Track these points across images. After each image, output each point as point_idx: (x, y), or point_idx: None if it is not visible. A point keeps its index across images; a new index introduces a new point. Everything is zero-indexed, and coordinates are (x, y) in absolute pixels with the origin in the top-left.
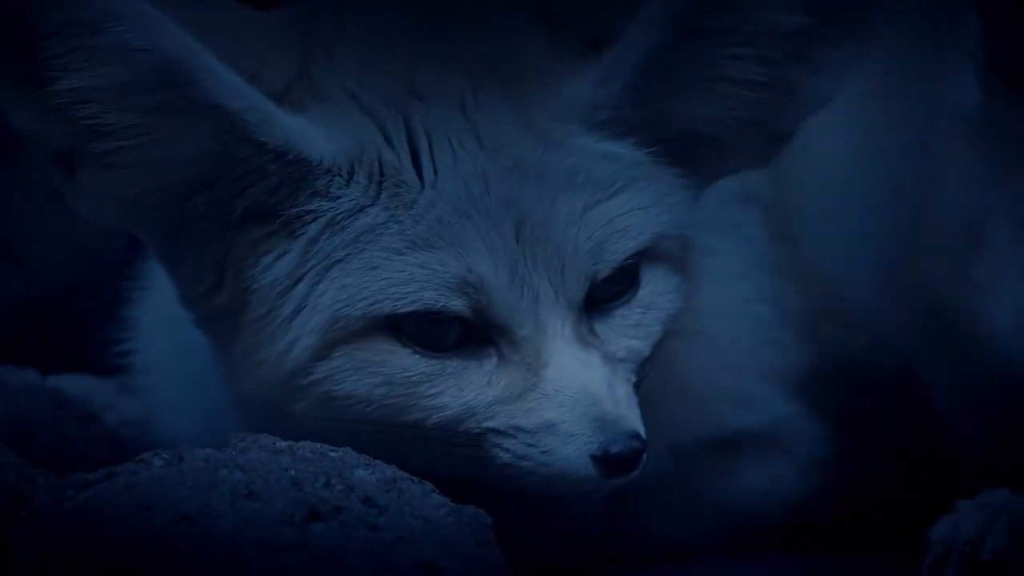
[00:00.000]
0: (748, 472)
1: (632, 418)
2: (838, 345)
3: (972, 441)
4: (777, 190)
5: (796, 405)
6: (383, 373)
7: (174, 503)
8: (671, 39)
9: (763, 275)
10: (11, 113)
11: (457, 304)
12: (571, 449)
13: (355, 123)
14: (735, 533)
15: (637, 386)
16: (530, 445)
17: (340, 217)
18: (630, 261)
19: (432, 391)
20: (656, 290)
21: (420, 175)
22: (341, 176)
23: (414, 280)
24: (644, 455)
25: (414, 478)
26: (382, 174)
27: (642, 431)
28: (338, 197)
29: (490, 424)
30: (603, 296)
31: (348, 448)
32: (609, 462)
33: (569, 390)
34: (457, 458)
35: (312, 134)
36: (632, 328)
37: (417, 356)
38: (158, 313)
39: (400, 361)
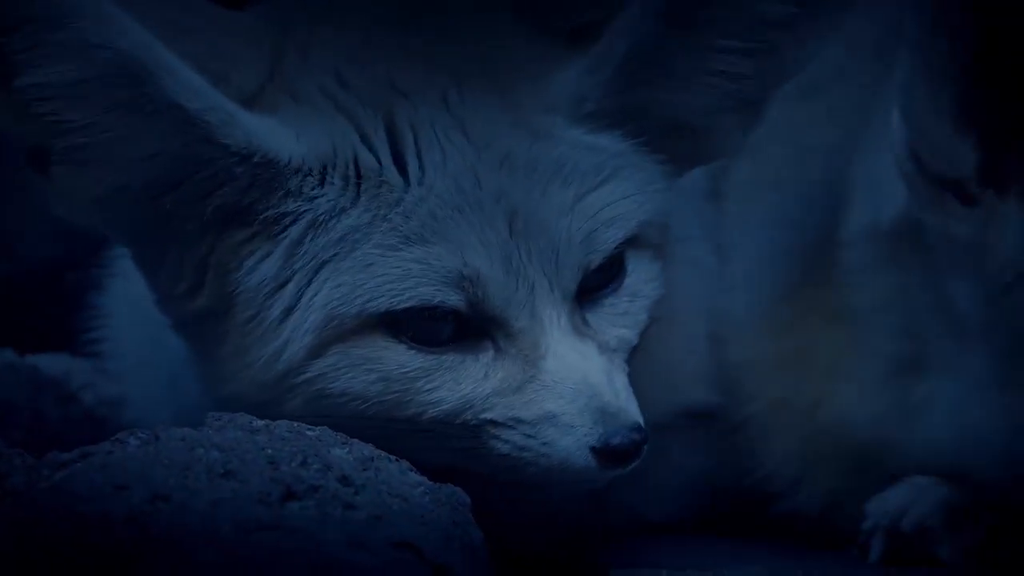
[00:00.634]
0: (718, 447)
1: (632, 410)
2: None
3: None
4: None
5: None
6: (379, 369)
7: (150, 482)
8: (658, 30)
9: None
10: None
11: (453, 298)
12: (571, 440)
13: (330, 123)
14: (714, 509)
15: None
16: (530, 436)
17: (321, 218)
18: (618, 250)
19: (429, 386)
20: (641, 278)
21: (405, 173)
22: (313, 176)
23: (410, 276)
24: (644, 447)
25: (391, 457)
26: (359, 175)
27: (642, 422)
28: (314, 197)
29: (488, 416)
30: (592, 285)
31: (325, 427)
32: (609, 454)
33: (569, 381)
34: (454, 451)
35: (281, 135)
36: (621, 317)
37: (413, 351)
38: (127, 303)
39: (396, 357)
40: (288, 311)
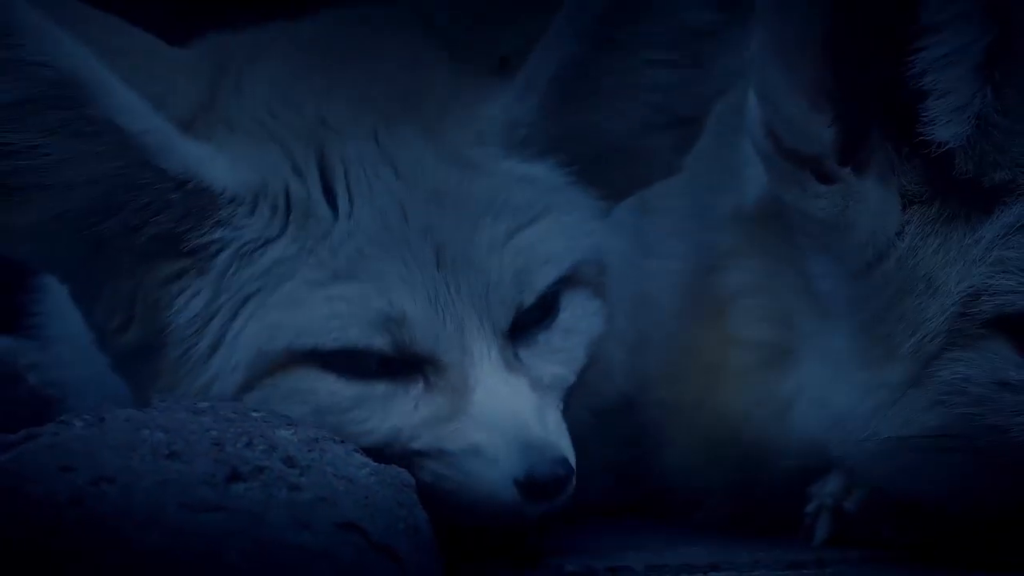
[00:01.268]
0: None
1: (561, 444)
2: None
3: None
4: None
5: None
6: (311, 401)
7: (95, 463)
8: (584, 49)
9: None
10: None
11: (379, 342)
12: (495, 473)
13: (263, 153)
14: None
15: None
16: (453, 467)
17: (247, 248)
18: (553, 288)
19: (361, 416)
20: (576, 314)
21: (335, 206)
22: (244, 206)
23: (336, 316)
24: (571, 482)
25: (336, 438)
26: (288, 206)
27: (570, 458)
28: (241, 227)
29: (415, 446)
30: (524, 321)
31: (271, 409)
32: (532, 487)
33: (497, 414)
34: None
35: (216, 162)
36: (555, 354)
37: (343, 381)
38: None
39: (327, 387)
40: (214, 347)
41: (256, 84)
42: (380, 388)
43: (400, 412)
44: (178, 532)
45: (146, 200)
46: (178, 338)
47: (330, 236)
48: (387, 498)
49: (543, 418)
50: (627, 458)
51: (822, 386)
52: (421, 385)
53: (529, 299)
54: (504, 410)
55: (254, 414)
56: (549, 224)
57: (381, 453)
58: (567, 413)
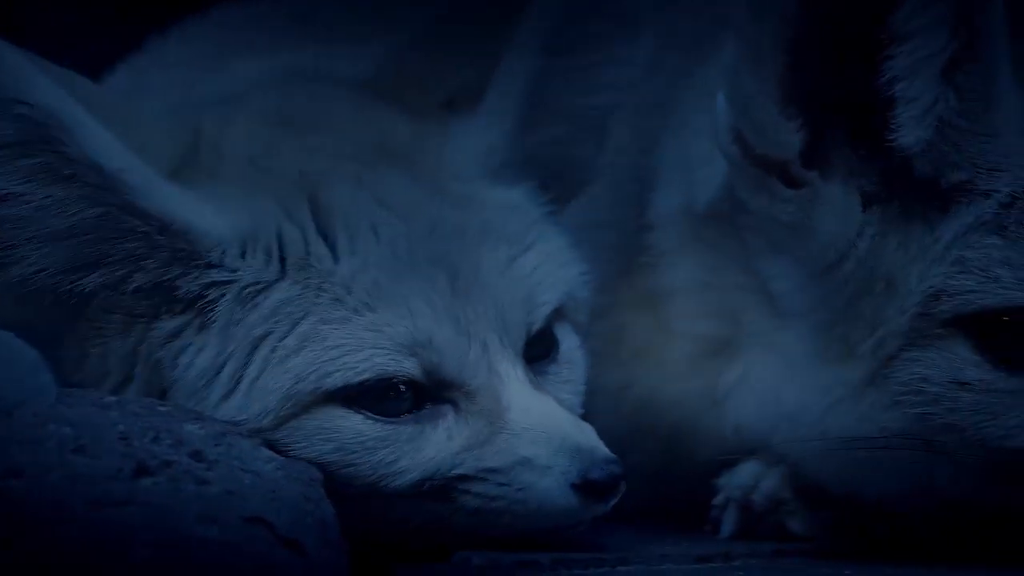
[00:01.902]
0: None
1: (605, 447)
2: None
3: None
4: None
5: None
6: (335, 439)
7: (3, 458)
8: (544, 61)
9: None
10: None
11: (408, 365)
12: (550, 481)
13: (251, 201)
14: None
15: None
16: (503, 484)
17: (247, 293)
18: (552, 318)
19: (391, 457)
20: (572, 347)
21: (333, 248)
22: (235, 248)
23: (364, 346)
24: (623, 481)
25: (243, 432)
26: (283, 251)
27: (616, 458)
28: (236, 270)
29: (459, 471)
30: (531, 356)
31: (177, 403)
32: (591, 488)
33: (538, 427)
34: (421, 511)
35: (201, 206)
36: (565, 384)
37: (370, 421)
38: None
39: (353, 427)
40: (227, 395)
41: (235, 142)
42: (407, 428)
43: (433, 445)
44: (86, 527)
45: (131, 246)
46: (187, 391)
47: (335, 274)
48: (294, 492)
49: (580, 426)
50: None
51: (771, 383)
52: (451, 415)
53: (537, 323)
54: (544, 422)
55: (161, 409)
56: (540, 253)
57: (420, 489)
58: None
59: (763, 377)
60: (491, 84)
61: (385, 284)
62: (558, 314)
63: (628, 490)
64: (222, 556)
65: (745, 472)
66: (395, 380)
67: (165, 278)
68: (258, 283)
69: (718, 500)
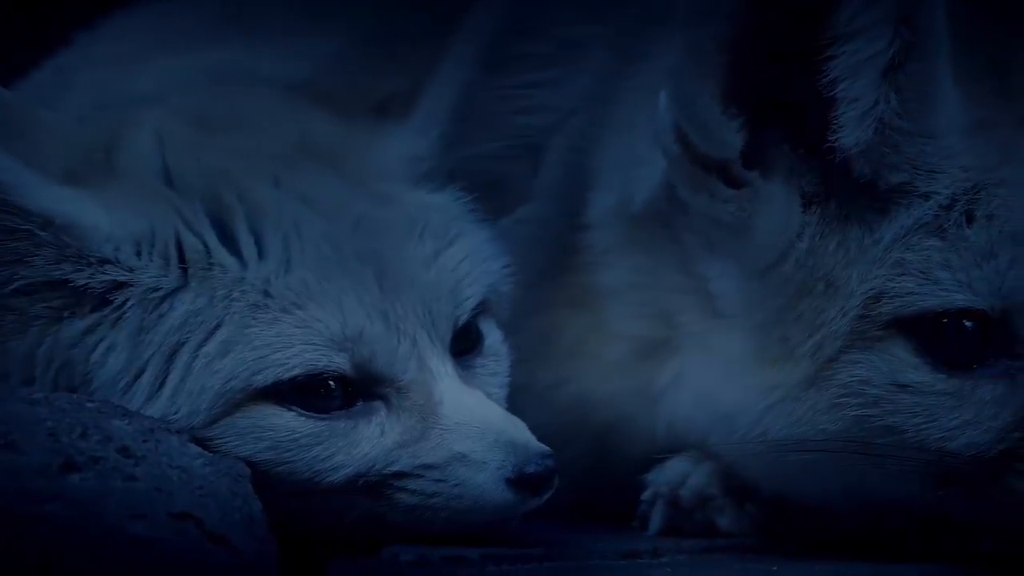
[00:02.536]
0: None
1: (538, 441)
2: None
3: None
4: None
5: None
6: (268, 438)
7: None
8: (476, 76)
9: None
10: None
11: (339, 360)
12: (485, 476)
13: (149, 207)
14: None
15: None
16: (440, 480)
17: (151, 300)
18: (475, 312)
19: (325, 453)
20: (496, 340)
21: (240, 254)
22: (127, 246)
23: (293, 343)
24: (557, 475)
25: (171, 428)
26: (182, 259)
27: (551, 451)
28: (132, 268)
29: (393, 468)
30: (457, 351)
31: (106, 399)
32: (525, 483)
33: (472, 422)
34: (356, 508)
35: (87, 203)
36: (492, 377)
37: (303, 418)
38: None
39: (285, 424)
40: (151, 398)
41: (148, 143)
42: (340, 424)
43: (367, 441)
44: (13, 522)
45: (13, 245)
46: (104, 394)
47: (245, 282)
48: (222, 488)
49: (513, 420)
50: None
51: (709, 384)
52: (383, 411)
53: (463, 316)
54: (477, 417)
55: (89, 405)
56: (464, 248)
57: (355, 486)
58: None
59: (700, 378)
60: (424, 94)
61: (312, 282)
62: (482, 308)
63: (558, 486)
64: (150, 552)
65: (673, 468)
66: (326, 376)
67: (56, 276)
68: (159, 288)
69: (646, 496)
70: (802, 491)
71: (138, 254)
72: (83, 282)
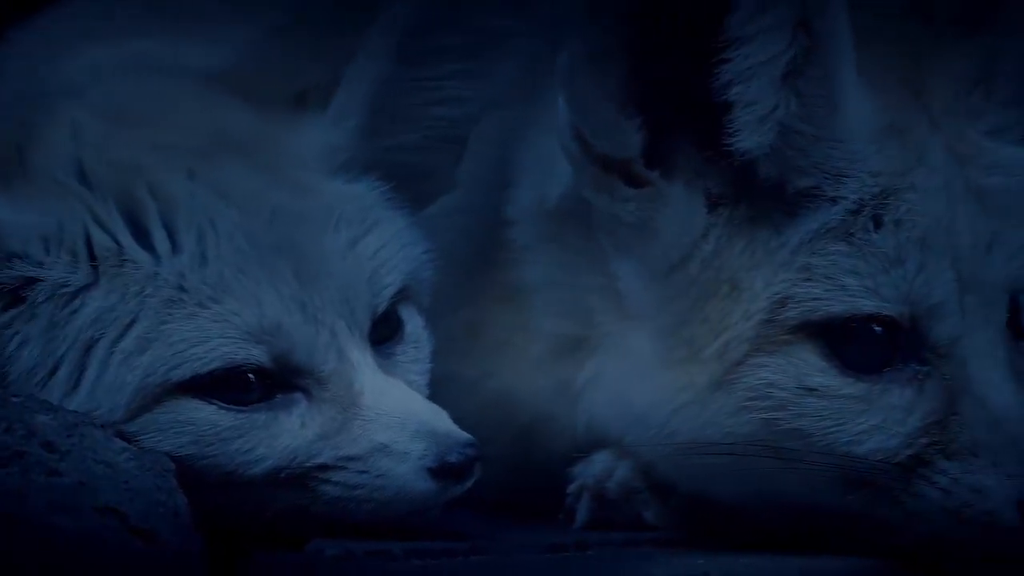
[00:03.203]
0: None
1: (460, 430)
2: None
3: None
4: None
5: None
6: (190, 432)
7: None
8: (394, 66)
9: None
10: None
11: (257, 353)
12: (407, 466)
13: (59, 204)
14: None
15: None
16: (363, 472)
17: (63, 295)
18: (395, 300)
19: (246, 446)
20: (417, 326)
21: (152, 249)
22: (34, 242)
23: (210, 338)
24: (479, 463)
25: (96, 423)
26: (92, 256)
27: (473, 440)
28: (41, 263)
29: (317, 461)
30: (377, 339)
31: (30, 394)
32: (448, 472)
33: (393, 412)
34: (280, 500)
35: None
36: (412, 364)
37: (223, 411)
38: None
39: (206, 418)
40: (69, 393)
41: (59, 140)
42: (260, 416)
43: (288, 433)
44: None
45: None
46: (23, 388)
47: (159, 277)
48: (147, 482)
49: (435, 410)
50: None
51: (622, 383)
52: (303, 403)
53: (382, 305)
54: (398, 407)
55: (13, 399)
56: (382, 235)
57: (278, 478)
58: None
59: (614, 377)
60: (341, 85)
61: (229, 275)
62: (402, 295)
63: (483, 479)
64: (75, 546)
65: (599, 462)
66: (244, 368)
67: None
68: (68, 284)
69: (572, 489)
70: (716, 492)
71: (46, 250)
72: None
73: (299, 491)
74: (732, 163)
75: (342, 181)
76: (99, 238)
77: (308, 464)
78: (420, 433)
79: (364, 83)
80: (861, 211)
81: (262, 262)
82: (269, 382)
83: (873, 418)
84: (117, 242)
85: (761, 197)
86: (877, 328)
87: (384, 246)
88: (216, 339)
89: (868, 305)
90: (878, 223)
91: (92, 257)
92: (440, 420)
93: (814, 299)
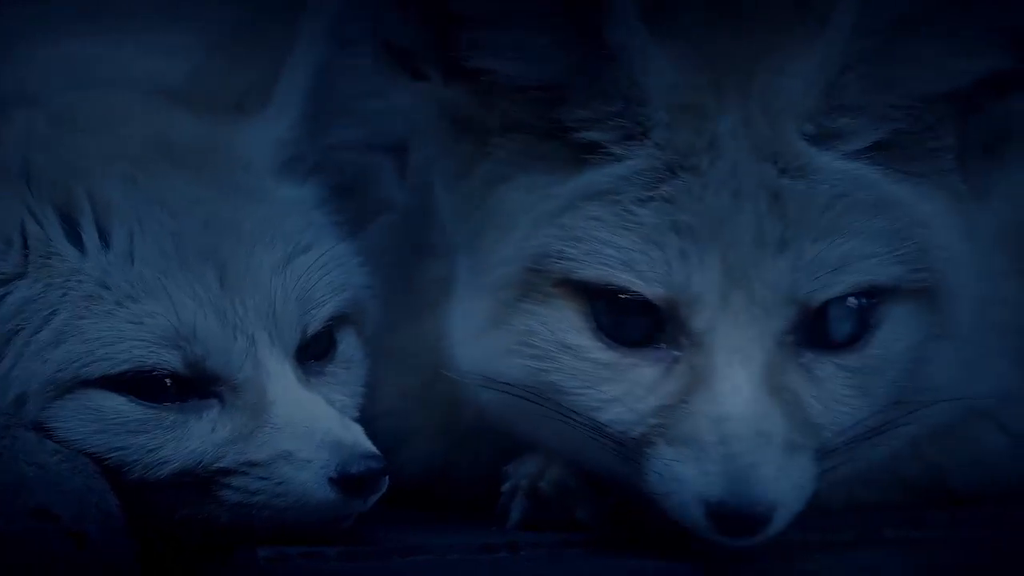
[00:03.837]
0: None
1: (368, 442)
2: None
3: None
4: None
5: None
6: (98, 420)
7: None
8: (330, 54)
9: None
10: None
11: (169, 358)
12: (308, 475)
13: (2, 197)
14: None
15: None
16: (263, 478)
17: None
18: (330, 321)
19: (152, 443)
20: (351, 347)
21: (81, 245)
22: None
23: (123, 338)
24: (385, 477)
25: (28, 425)
26: (27, 246)
27: (379, 453)
28: None
29: (220, 465)
30: (307, 355)
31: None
32: (348, 483)
33: (301, 420)
34: (184, 504)
35: None
36: (341, 386)
37: (132, 404)
38: None
39: (114, 407)
40: None
41: (10, 141)
42: (170, 416)
43: (197, 436)
44: None
45: None
46: None
47: (82, 272)
48: (79, 484)
49: (346, 423)
50: None
51: (448, 317)
52: (216, 408)
53: (314, 325)
54: (307, 416)
55: None
56: (319, 255)
57: (182, 481)
58: None
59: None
60: (281, 76)
61: (150, 278)
62: (341, 319)
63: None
64: (7, 549)
65: (533, 460)
66: (156, 372)
67: None
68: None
69: (506, 488)
70: (540, 436)
71: None
72: None
73: (202, 496)
74: (528, 94)
75: (288, 184)
76: (32, 229)
77: (212, 468)
78: (325, 443)
79: (304, 70)
80: (632, 180)
81: (186, 267)
82: (183, 386)
83: (617, 389)
84: (47, 235)
85: (551, 138)
86: (636, 303)
87: (322, 268)
88: (129, 341)
89: (622, 279)
90: (645, 198)
91: (26, 248)
92: (349, 432)
93: (571, 259)
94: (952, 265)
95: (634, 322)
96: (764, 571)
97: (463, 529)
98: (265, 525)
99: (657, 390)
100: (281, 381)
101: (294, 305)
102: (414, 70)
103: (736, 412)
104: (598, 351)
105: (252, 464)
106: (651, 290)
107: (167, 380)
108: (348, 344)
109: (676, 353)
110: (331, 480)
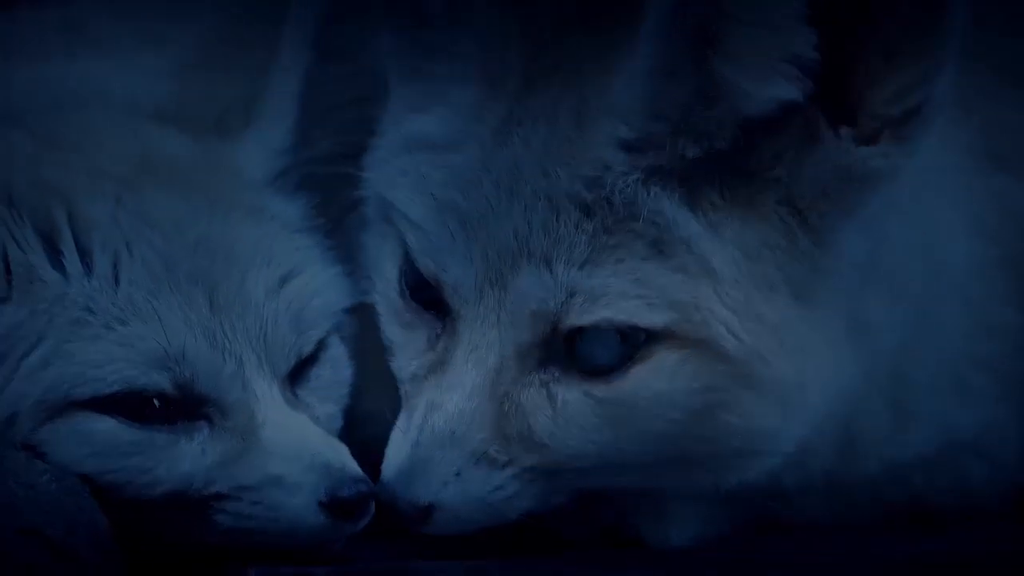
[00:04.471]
0: None
1: (356, 466)
2: None
3: None
4: None
5: None
6: (90, 443)
7: None
8: (316, 61)
9: None
10: None
11: (159, 379)
12: (299, 499)
13: None
14: None
15: None
16: (255, 503)
17: None
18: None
19: (145, 465)
20: (338, 352)
21: (63, 269)
22: None
23: (113, 360)
24: (373, 500)
25: (17, 445)
26: (9, 271)
27: (367, 477)
28: None
29: (212, 489)
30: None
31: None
32: (339, 507)
33: (290, 444)
34: (176, 526)
35: None
36: (327, 389)
37: (124, 426)
38: None
39: (106, 429)
40: None
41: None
42: (161, 437)
43: (188, 458)
44: None
45: None
46: None
47: (67, 298)
48: (68, 504)
49: (334, 445)
50: None
51: None
52: (206, 430)
53: (308, 347)
54: (296, 440)
55: None
56: (312, 279)
57: (174, 502)
58: None
59: None
60: (268, 87)
61: (139, 300)
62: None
63: None
64: None
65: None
66: (146, 394)
67: None
68: None
69: None
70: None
71: None
72: None
73: (194, 518)
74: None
75: (280, 199)
76: (15, 255)
77: (205, 492)
78: (313, 466)
79: (292, 79)
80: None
81: (176, 288)
82: (172, 407)
83: (403, 337)
84: (29, 260)
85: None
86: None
87: (316, 291)
88: (119, 362)
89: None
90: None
91: (8, 272)
92: (337, 454)
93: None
94: (749, 322)
95: (424, 283)
96: None
97: (452, 550)
98: (258, 548)
99: (422, 356)
100: (269, 403)
101: (287, 328)
102: None
103: (445, 404)
104: (403, 297)
105: (243, 488)
106: (422, 262)
107: (155, 401)
108: (335, 348)
109: (439, 328)
110: (321, 504)
